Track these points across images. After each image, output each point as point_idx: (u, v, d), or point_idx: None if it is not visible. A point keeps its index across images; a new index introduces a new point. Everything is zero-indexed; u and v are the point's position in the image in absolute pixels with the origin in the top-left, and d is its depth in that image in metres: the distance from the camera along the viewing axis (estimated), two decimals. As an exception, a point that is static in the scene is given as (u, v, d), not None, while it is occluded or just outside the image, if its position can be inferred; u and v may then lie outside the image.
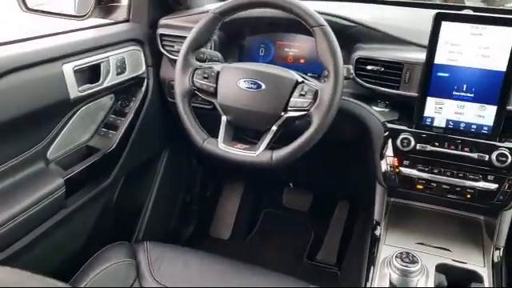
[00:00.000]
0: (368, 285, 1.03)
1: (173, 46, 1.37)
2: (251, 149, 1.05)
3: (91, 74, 1.21)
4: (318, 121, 1.00)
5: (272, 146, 1.06)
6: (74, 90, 1.15)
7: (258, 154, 1.04)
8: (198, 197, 1.92)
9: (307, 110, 1.02)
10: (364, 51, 1.16)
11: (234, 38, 1.38)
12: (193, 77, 1.11)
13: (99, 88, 1.23)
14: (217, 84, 1.09)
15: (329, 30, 1.01)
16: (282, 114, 1.04)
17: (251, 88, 1.06)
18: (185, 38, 1.13)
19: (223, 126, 1.10)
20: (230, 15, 1.11)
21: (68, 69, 1.12)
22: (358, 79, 1.15)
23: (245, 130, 1.17)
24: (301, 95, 1.03)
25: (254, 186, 2.03)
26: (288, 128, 1.07)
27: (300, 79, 1.05)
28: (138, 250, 1.11)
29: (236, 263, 1.10)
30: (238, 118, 1.10)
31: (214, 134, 1.10)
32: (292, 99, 1.03)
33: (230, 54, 1.36)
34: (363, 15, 1.23)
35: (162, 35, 1.39)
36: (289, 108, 1.04)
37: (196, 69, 1.11)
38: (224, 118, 1.10)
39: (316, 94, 1.02)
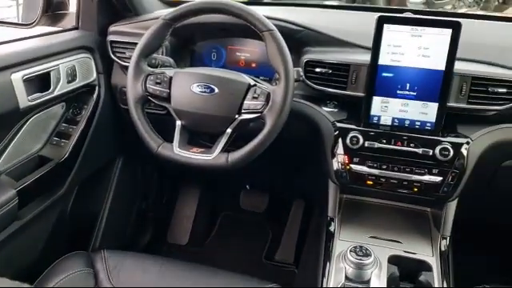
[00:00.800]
0: (324, 280, 1.06)
1: (124, 53, 1.36)
2: (207, 152, 1.06)
3: (41, 82, 1.19)
4: (272, 122, 1.02)
5: (227, 149, 1.07)
6: (24, 100, 1.12)
7: (213, 156, 1.05)
8: (155, 203, 1.91)
9: (261, 112, 1.04)
10: (312, 54, 1.20)
11: (186, 44, 1.38)
12: (145, 83, 1.11)
13: (50, 97, 1.21)
14: (170, 89, 1.10)
15: (278, 34, 1.04)
16: (236, 116, 1.06)
17: (204, 92, 1.07)
18: (136, 44, 1.13)
19: (178, 131, 1.10)
20: (181, 21, 1.11)
21: (17, 78, 1.09)
22: (308, 81, 1.19)
23: (200, 134, 1.18)
24: (254, 98, 1.05)
25: (210, 190, 2.04)
26: (243, 130, 1.09)
27: (252, 82, 1.08)
28: (95, 259, 1.09)
29: (195, 266, 1.10)
30: (192, 122, 1.10)
31: (169, 139, 1.10)
32: (245, 102, 1.05)
33: (182, 59, 1.37)
34: (310, 20, 1.27)
35: (112, 42, 1.38)
36: (242, 111, 1.06)
37: (148, 75, 1.11)
38: (178, 123, 1.10)
39: (268, 96, 1.04)
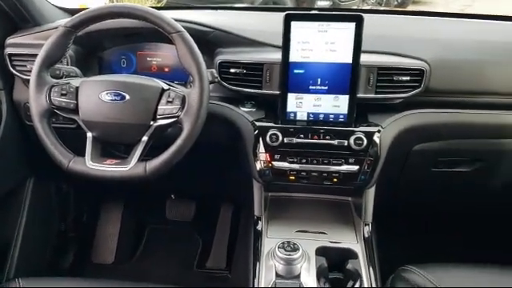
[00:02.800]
0: (256, 280, 1.06)
1: (25, 66, 1.27)
2: (122, 163, 1.02)
3: None
4: (189, 126, 1.00)
5: (145, 158, 1.03)
6: None
7: (130, 167, 1.00)
8: (75, 223, 1.80)
9: (177, 117, 1.01)
10: (225, 55, 1.20)
11: (93, 52, 1.32)
12: (50, 95, 1.03)
13: None
14: (77, 100, 1.04)
15: (187, 35, 1.02)
16: (152, 123, 1.03)
17: (115, 100, 1.02)
18: (36, 55, 1.05)
19: (89, 143, 1.04)
20: (83, 28, 1.06)
21: None
22: (224, 82, 1.18)
23: (114, 145, 1.13)
24: (168, 102, 1.02)
25: (133, 203, 1.96)
26: (160, 137, 1.05)
27: (166, 87, 1.05)
28: None
29: (121, 284, 1.05)
30: (104, 132, 1.05)
31: (83, 154, 1.04)
32: (160, 107, 1.02)
33: (90, 68, 1.30)
34: (221, 21, 1.27)
35: (10, 55, 1.28)
36: (158, 116, 1.02)
37: (52, 86, 1.04)
38: (89, 135, 1.05)
39: (184, 99, 1.02)
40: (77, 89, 1.04)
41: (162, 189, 1.89)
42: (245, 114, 1.20)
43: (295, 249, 1.01)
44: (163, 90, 1.04)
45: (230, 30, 1.23)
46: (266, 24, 1.34)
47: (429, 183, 1.44)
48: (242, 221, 1.79)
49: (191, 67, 1.01)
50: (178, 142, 1.01)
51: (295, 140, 1.14)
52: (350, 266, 1.09)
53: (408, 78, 1.14)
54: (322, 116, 1.15)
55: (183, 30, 1.03)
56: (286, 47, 1.10)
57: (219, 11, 1.53)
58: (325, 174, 1.16)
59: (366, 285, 1.04)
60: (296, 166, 1.16)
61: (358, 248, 1.14)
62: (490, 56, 1.21)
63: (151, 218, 2.01)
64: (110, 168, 1.01)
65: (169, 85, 1.06)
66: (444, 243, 1.65)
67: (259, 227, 1.20)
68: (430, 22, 1.46)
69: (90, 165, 1.01)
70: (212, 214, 1.94)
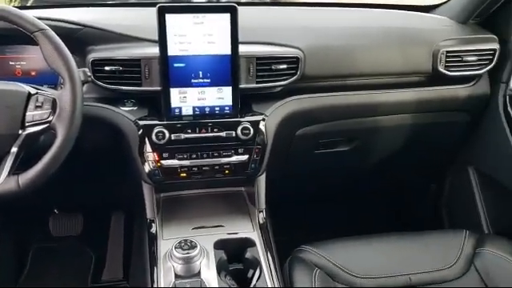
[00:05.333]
0: (155, 284, 1.01)
1: None
2: (-10, 179, 0.90)
3: None
4: (63, 131, 0.92)
5: (16, 171, 0.93)
6: None
7: (-1, 183, 0.90)
8: None
9: (49, 122, 0.93)
10: (98, 52, 1.12)
11: None
12: None
13: None
14: None
15: (52, 33, 0.94)
16: (20, 131, 0.93)
17: None
18: None
19: None
20: None
21: None
22: (99, 82, 1.11)
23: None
24: (37, 107, 0.93)
25: (12, 223, 1.76)
26: (33, 146, 0.96)
27: (33, 91, 0.95)
28: None
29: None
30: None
31: None
32: (28, 113, 0.93)
33: None
34: (91, 18, 1.19)
35: None
36: (26, 124, 0.93)
37: None
38: None
39: (54, 102, 0.93)
40: None
41: (43, 204, 1.72)
42: (126, 113, 1.13)
43: (192, 246, 0.99)
44: (30, 95, 0.94)
45: (102, 27, 1.16)
46: (141, 18, 1.28)
47: (313, 165, 1.51)
48: (135, 226, 1.72)
49: (59, 67, 0.93)
50: (53, 149, 0.92)
51: (183, 136, 1.11)
52: (248, 254, 1.10)
53: (285, 66, 1.18)
54: (207, 109, 1.13)
55: (47, 27, 0.94)
56: (162, 41, 1.07)
57: (90, 8, 1.43)
58: (216, 167, 1.15)
59: (265, 271, 1.06)
60: (186, 163, 1.13)
61: (255, 236, 1.16)
62: (358, 41, 1.30)
63: (34, 237, 1.83)
64: None
65: (36, 88, 0.97)
66: (334, 220, 1.75)
67: (153, 230, 1.16)
68: (303, 11, 1.52)
69: None
70: (102, 224, 1.83)
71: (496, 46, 1.36)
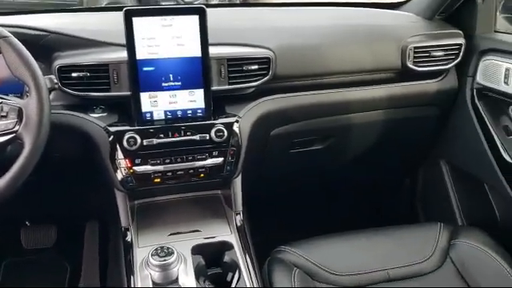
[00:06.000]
0: (132, 293, 0.99)
1: None
2: (-47, 193, 0.87)
3: None
4: (31, 141, 0.89)
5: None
6: None
7: (-38, 196, 0.86)
8: None
9: (15, 132, 0.90)
10: (65, 59, 1.09)
11: None
12: None
13: None
14: None
15: (14, 40, 0.91)
16: None
17: None
18: None
19: None
20: None
21: None
22: (66, 89, 1.08)
23: None
24: (2, 117, 0.90)
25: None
26: (1, 157, 0.94)
27: None
28: None
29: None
30: None
31: None
32: None
33: None
34: (56, 24, 1.16)
35: None
36: None
37: None
38: None
39: (20, 111, 0.90)
40: None
41: (13, 216, 1.67)
42: (95, 120, 1.11)
43: (169, 253, 0.97)
44: None
45: (68, 32, 1.13)
46: (107, 23, 1.26)
47: (289, 164, 1.52)
48: (110, 235, 1.68)
49: (24, 75, 0.90)
50: (20, 159, 0.89)
51: (155, 141, 1.09)
52: (226, 258, 1.09)
53: (256, 67, 1.17)
54: (179, 113, 1.12)
55: (9, 34, 0.91)
56: (130, 45, 1.05)
57: (55, 14, 1.40)
58: (191, 171, 1.13)
59: (244, 273, 1.05)
60: (160, 168, 1.11)
61: (233, 238, 1.14)
62: (328, 39, 1.31)
63: (5, 251, 1.77)
64: None
65: (1, 98, 0.94)
66: (311, 218, 1.76)
67: (128, 238, 1.13)
68: (273, 12, 1.52)
69: None
70: (76, 235, 1.78)
71: (462, 40, 1.39)
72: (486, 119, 1.37)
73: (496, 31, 1.41)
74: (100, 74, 1.09)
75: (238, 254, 1.09)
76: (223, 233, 1.16)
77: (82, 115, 1.11)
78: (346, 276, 1.14)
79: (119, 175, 1.10)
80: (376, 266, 1.16)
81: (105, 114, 1.13)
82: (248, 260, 1.09)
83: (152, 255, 0.97)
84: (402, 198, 1.87)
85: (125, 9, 1.03)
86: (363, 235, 1.28)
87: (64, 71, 1.07)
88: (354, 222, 1.42)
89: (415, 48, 1.34)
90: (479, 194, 1.48)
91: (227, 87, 1.16)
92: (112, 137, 1.09)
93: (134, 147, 1.08)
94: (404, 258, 1.19)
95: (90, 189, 1.42)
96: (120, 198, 1.17)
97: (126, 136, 1.07)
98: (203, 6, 1.07)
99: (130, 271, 1.04)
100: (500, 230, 1.41)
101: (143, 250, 1.08)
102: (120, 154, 1.09)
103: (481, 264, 1.17)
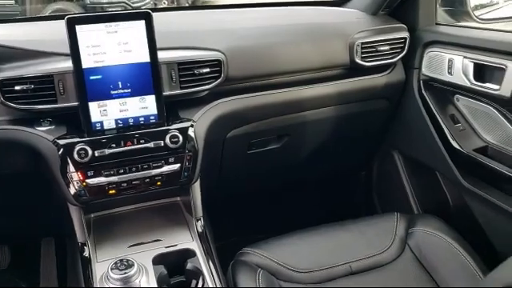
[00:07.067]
0: (93, 310, 0.96)
1: None
2: None
3: None
4: None
5: None
6: None
7: None
8: None
9: None
10: (6, 72, 1.04)
11: None
12: None
13: None
14: None
15: None
16: None
17: None
18: None
19: None
20: None
21: None
22: (10, 103, 1.03)
23: None
24: None
25: None
26: None
27: None
28: None
29: None
30: None
31: None
32: None
33: None
34: None
35: None
36: None
37: None
38: None
39: None
40: None
41: None
42: (43, 133, 1.06)
43: (130, 265, 0.95)
44: None
45: (9, 44, 1.08)
46: (50, 32, 1.21)
47: (247, 166, 1.52)
48: (68, 251, 1.62)
49: None
50: None
51: (107, 151, 1.06)
52: (189, 265, 1.07)
53: (208, 70, 1.16)
54: (131, 120, 1.09)
55: None
56: (75, 54, 1.01)
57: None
58: (147, 180, 1.11)
59: (208, 280, 1.04)
60: (114, 179, 1.08)
61: (195, 245, 1.13)
62: (277, 39, 1.32)
63: None
64: None
65: None
66: (273, 218, 1.76)
67: (86, 253, 1.09)
68: (221, 14, 1.51)
69: None
70: (32, 253, 1.71)
71: (406, 34, 1.43)
72: (433, 109, 1.42)
73: (437, 24, 1.47)
74: (45, 85, 1.04)
75: (201, 261, 1.08)
76: (184, 240, 1.15)
77: (28, 129, 1.07)
78: (310, 273, 1.15)
79: (72, 189, 1.06)
80: (338, 260, 1.18)
81: (53, 127, 1.08)
82: (211, 265, 1.08)
83: (112, 269, 0.95)
84: (358, 190, 1.91)
85: (67, 17, 1.00)
86: (324, 231, 1.29)
87: (6, 85, 1.02)
88: (314, 219, 1.43)
89: (362, 44, 1.37)
90: (432, 182, 1.53)
91: (179, 92, 1.14)
92: (62, 150, 1.05)
93: (86, 159, 1.04)
94: (365, 249, 1.21)
95: (43, 204, 1.36)
96: (74, 213, 1.13)
97: (77, 148, 1.04)
98: (149, 11, 1.04)
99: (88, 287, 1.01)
100: (452, 216, 1.46)
101: (102, 264, 1.05)
102: (71, 167, 1.05)
103: (437, 249, 1.21)
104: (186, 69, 1.14)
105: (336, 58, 1.37)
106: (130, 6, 2.89)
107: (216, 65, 1.17)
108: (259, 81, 1.31)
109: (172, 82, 1.13)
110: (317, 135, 1.54)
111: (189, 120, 1.15)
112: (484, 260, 1.18)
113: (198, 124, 1.17)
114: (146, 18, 1.04)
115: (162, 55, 1.09)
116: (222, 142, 1.33)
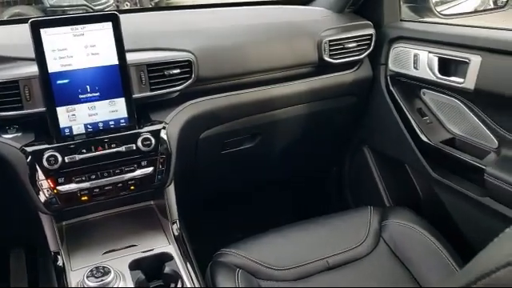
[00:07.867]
0: (70, 320, 0.94)
1: None
2: None
3: None
4: None
5: None
6: None
7: None
8: None
9: None
10: None
11: None
12: None
13: None
14: None
15: None
16: None
17: None
18: None
19: None
20: None
21: None
22: None
23: None
24: None
25: None
26: None
27: None
28: None
29: None
30: None
31: None
32: None
33: None
34: None
35: None
36: None
37: None
38: None
39: None
40: None
41: None
42: (9, 141, 1.03)
43: (106, 272, 0.93)
44: None
45: None
46: (13, 37, 1.18)
47: (222, 166, 1.51)
48: (39, 262, 1.57)
49: None
50: None
51: (78, 157, 1.04)
52: (167, 269, 1.06)
53: (178, 71, 1.15)
54: (101, 125, 1.07)
55: None
56: (40, 58, 0.98)
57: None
58: (120, 185, 1.09)
59: (186, 282, 1.03)
60: (86, 185, 1.06)
61: (171, 249, 1.12)
62: (246, 38, 1.32)
63: None
64: None
65: None
66: (249, 217, 1.76)
67: (60, 263, 1.06)
68: (189, 14, 1.50)
69: None
70: (2, 265, 1.65)
71: (372, 31, 1.46)
72: (401, 104, 1.45)
73: (402, 20, 1.50)
74: (9, 91, 1.01)
75: (179, 264, 1.07)
76: (161, 244, 1.13)
77: None
78: (288, 270, 1.16)
79: (42, 197, 1.04)
80: (315, 256, 1.19)
81: (19, 134, 1.05)
82: (189, 268, 1.07)
83: (87, 277, 0.93)
84: (331, 186, 1.93)
85: (30, 20, 0.97)
86: (300, 227, 1.30)
87: None
88: (289, 216, 1.45)
89: (330, 41, 1.39)
90: (402, 175, 1.56)
91: (149, 94, 1.13)
92: (30, 157, 1.02)
93: (56, 166, 1.02)
94: (340, 244, 1.23)
95: (10, 214, 1.32)
96: (46, 221, 1.10)
97: (46, 155, 1.01)
98: (115, 13, 1.03)
99: (64, 298, 0.98)
100: (423, 207, 1.50)
101: (77, 272, 1.03)
102: (41, 175, 1.02)
103: (411, 240, 1.24)
104: (155, 70, 1.13)
105: (305, 55, 1.38)
106: (91, 8, 2.83)
107: (186, 65, 1.17)
108: (230, 81, 1.30)
109: (142, 84, 1.11)
110: (289, 133, 1.55)
111: (161, 122, 1.14)
112: (455, 247, 1.21)
113: (171, 126, 1.16)
114: (114, 19, 1.02)
115: (130, 57, 1.08)
116: (195, 143, 1.32)
